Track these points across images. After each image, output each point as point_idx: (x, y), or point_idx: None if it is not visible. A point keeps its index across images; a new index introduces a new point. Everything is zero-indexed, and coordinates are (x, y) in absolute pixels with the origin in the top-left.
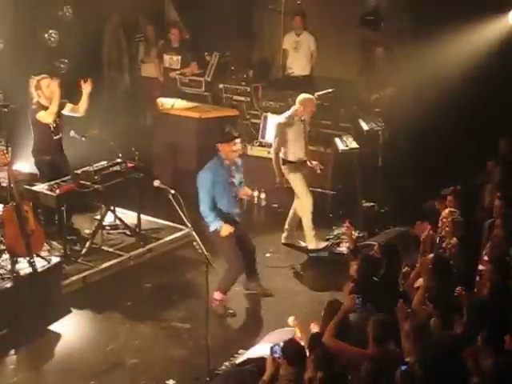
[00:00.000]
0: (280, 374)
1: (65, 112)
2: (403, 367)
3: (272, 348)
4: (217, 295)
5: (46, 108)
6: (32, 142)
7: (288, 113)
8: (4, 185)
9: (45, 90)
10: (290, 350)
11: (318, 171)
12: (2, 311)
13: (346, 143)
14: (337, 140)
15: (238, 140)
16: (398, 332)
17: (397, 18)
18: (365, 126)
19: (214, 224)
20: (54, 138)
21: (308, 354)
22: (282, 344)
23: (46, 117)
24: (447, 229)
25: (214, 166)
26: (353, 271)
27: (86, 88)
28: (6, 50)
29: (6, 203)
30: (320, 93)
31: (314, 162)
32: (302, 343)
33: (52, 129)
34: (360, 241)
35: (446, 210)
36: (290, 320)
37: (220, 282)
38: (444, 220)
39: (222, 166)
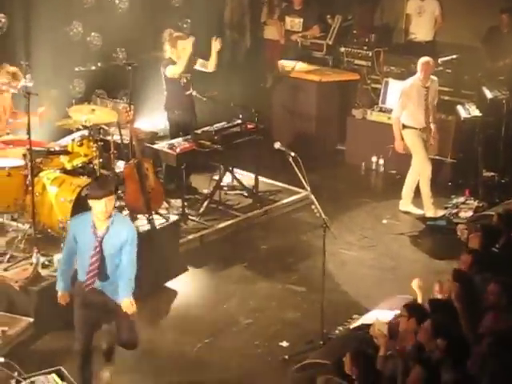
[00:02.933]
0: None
1: (196, 67)
2: None
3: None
4: None
5: (175, 64)
6: (163, 97)
7: (411, 78)
8: (126, 142)
9: (179, 48)
10: (417, 308)
11: (431, 142)
12: None
13: (468, 111)
14: (459, 107)
15: (111, 196)
16: None
17: None
18: (489, 94)
19: (58, 283)
20: (186, 93)
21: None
22: (406, 304)
23: (174, 71)
24: None
25: (79, 219)
26: (471, 243)
27: (215, 46)
28: (130, 9)
29: (127, 160)
30: (443, 59)
31: (433, 134)
32: None
33: (183, 84)
34: (479, 210)
35: None
36: (414, 282)
37: None
38: None
39: (89, 224)
